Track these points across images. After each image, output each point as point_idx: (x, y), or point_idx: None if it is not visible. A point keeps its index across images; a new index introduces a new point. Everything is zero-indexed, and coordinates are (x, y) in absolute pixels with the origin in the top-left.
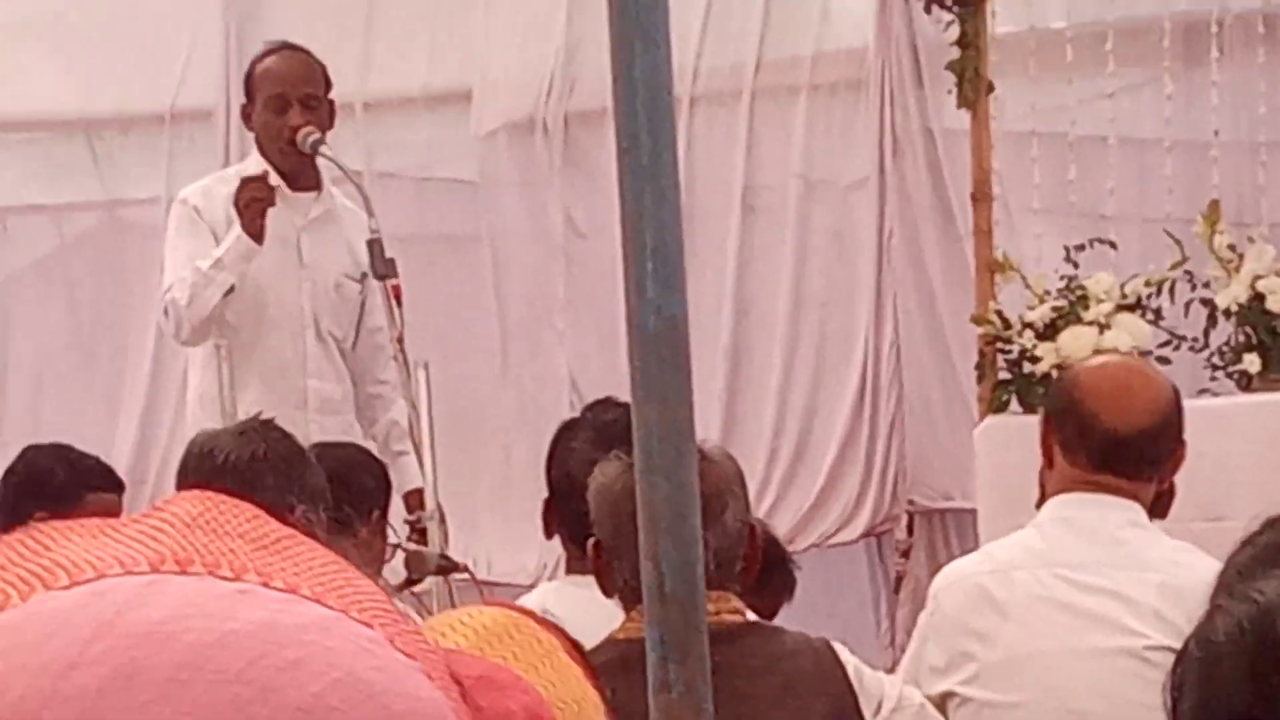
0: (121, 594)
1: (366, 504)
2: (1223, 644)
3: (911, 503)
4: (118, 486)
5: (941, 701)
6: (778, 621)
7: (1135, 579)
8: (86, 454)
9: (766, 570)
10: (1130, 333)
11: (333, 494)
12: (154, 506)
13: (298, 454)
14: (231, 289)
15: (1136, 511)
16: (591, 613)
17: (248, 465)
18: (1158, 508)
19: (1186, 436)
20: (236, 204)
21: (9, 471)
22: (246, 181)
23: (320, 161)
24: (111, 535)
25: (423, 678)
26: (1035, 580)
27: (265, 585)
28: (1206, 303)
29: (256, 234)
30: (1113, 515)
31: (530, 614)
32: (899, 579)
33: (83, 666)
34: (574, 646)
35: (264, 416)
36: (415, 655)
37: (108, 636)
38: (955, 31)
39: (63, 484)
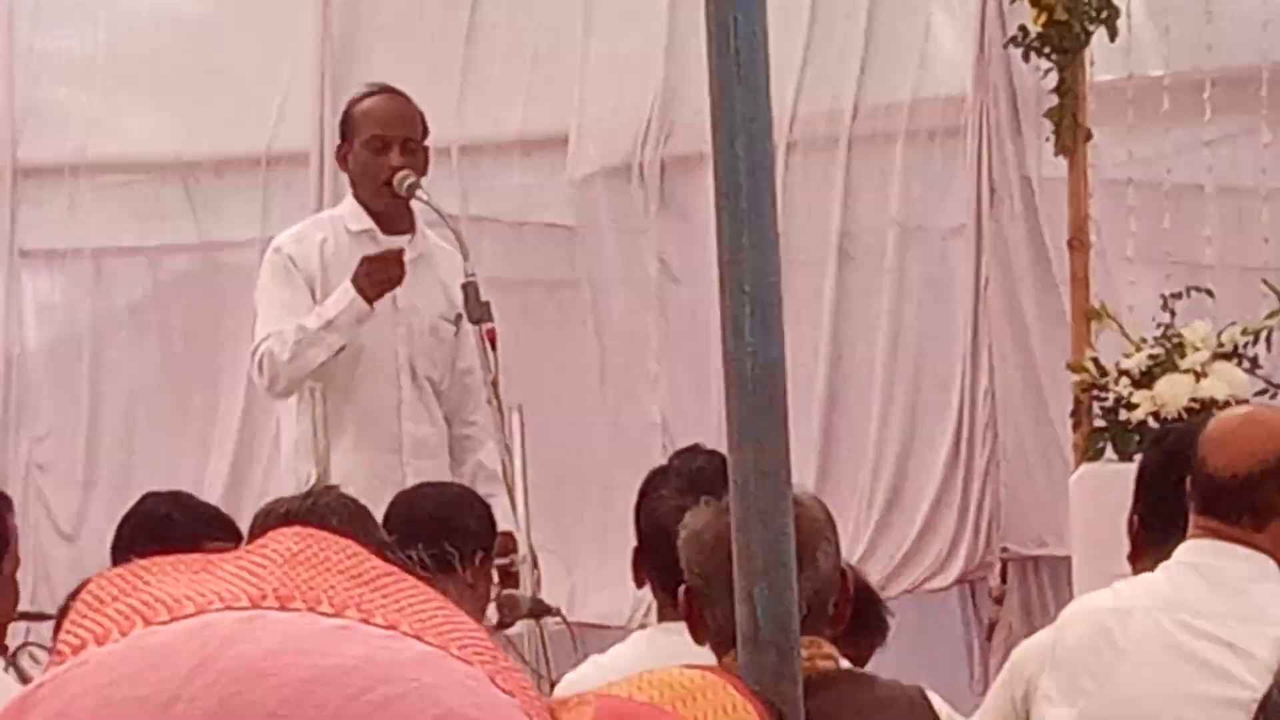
0: (222, 629)
1: (470, 544)
2: None
3: (1005, 550)
4: (235, 536)
5: None
6: (870, 668)
7: (1253, 632)
8: (205, 502)
9: (859, 616)
10: (1227, 381)
11: (434, 534)
12: (255, 543)
13: (360, 509)
14: (341, 349)
15: (1266, 565)
16: (684, 660)
17: (309, 511)
18: None
19: None
20: (364, 273)
21: (126, 517)
22: (386, 259)
23: (415, 205)
24: (212, 571)
25: (522, 716)
26: (1154, 624)
27: (366, 621)
28: None
29: (373, 301)
30: (1241, 567)
31: (731, 678)
32: (992, 626)
33: (183, 701)
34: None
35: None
36: (515, 693)
37: (208, 671)
38: (1053, 79)
39: (181, 531)
